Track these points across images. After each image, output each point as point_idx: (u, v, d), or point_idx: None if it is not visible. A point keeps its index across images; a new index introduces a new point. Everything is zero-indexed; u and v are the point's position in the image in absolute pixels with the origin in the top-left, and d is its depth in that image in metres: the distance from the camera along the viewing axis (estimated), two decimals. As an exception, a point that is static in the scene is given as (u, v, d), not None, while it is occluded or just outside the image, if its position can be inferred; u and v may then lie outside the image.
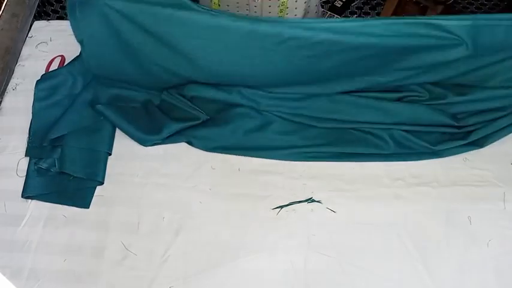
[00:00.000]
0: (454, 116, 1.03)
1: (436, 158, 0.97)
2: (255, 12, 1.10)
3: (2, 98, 1.06)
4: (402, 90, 1.06)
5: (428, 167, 0.96)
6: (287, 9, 1.11)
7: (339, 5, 2.18)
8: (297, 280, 0.84)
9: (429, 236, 0.87)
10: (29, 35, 1.14)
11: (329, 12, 2.16)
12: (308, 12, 1.18)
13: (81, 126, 0.95)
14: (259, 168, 0.96)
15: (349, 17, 2.12)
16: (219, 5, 1.10)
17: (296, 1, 1.10)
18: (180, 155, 0.96)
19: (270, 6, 1.09)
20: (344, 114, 1.04)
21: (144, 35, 0.92)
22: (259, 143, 1.01)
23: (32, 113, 0.99)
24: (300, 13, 1.14)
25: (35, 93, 1.00)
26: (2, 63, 1.10)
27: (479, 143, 0.99)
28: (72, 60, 1.04)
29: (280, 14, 1.12)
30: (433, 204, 0.91)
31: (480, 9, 2.16)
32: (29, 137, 0.97)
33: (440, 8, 1.67)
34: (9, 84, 1.07)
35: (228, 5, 1.10)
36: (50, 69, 1.06)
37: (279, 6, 1.10)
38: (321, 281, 0.84)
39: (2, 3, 1.14)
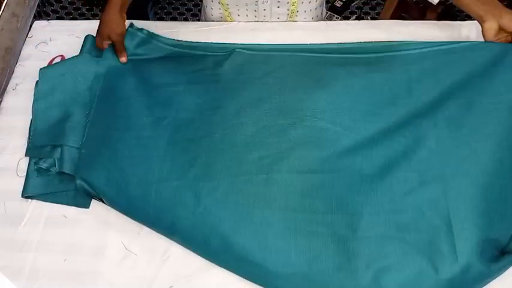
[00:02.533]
0: None
1: None
2: (264, 11, 1.10)
3: (2, 98, 1.06)
4: None
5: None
6: (297, 12, 1.11)
7: (339, 5, 2.18)
8: (297, 280, 0.83)
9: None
10: (29, 35, 1.14)
11: (329, 13, 2.16)
12: (317, 16, 1.18)
13: None
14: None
15: (349, 17, 2.12)
16: (227, 4, 1.10)
17: (310, 2, 1.09)
18: (180, 155, 0.95)
19: (278, 7, 1.09)
20: None
21: None
22: None
23: (32, 112, 0.99)
24: (309, 16, 1.14)
25: (35, 93, 0.99)
26: (2, 63, 1.10)
27: None
28: (73, 59, 1.04)
29: (291, 15, 1.11)
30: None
31: (480, 10, 2.15)
32: (29, 137, 0.97)
33: (440, 8, 1.67)
34: (9, 84, 1.07)
35: (237, 4, 1.10)
36: (50, 69, 1.06)
37: (288, 10, 1.10)
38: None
39: (2, 3, 1.14)
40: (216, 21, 1.17)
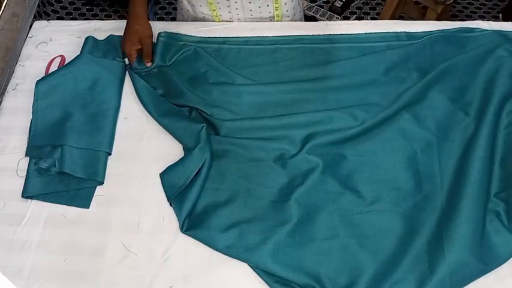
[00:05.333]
0: None
1: None
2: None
3: (2, 98, 1.06)
4: None
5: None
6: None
7: (339, 5, 2.18)
8: (297, 280, 0.84)
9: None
10: (29, 35, 1.14)
11: (329, 13, 2.16)
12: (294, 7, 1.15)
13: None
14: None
15: (349, 17, 2.12)
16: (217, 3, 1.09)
17: None
18: (180, 155, 0.96)
19: None
20: None
21: None
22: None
23: (32, 112, 0.99)
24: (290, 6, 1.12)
25: (35, 93, 1.00)
26: (2, 63, 1.10)
27: None
28: (73, 59, 1.04)
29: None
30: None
31: (480, 9, 2.16)
32: (29, 137, 0.97)
33: (440, 8, 1.67)
34: (9, 84, 1.07)
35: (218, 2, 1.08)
36: (50, 69, 1.06)
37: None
38: (321, 281, 0.84)
39: (2, 3, 1.14)
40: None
